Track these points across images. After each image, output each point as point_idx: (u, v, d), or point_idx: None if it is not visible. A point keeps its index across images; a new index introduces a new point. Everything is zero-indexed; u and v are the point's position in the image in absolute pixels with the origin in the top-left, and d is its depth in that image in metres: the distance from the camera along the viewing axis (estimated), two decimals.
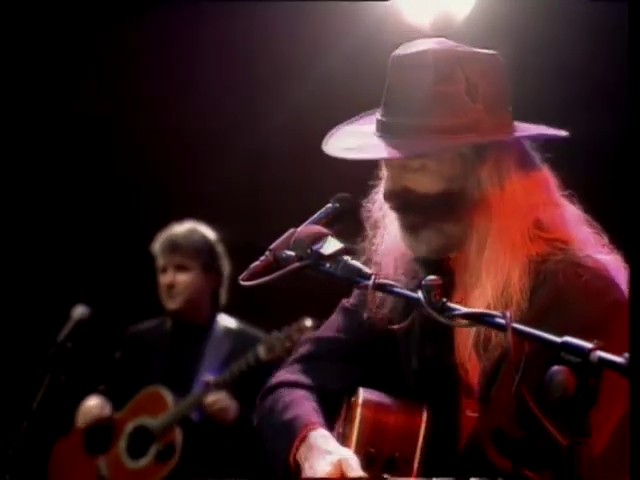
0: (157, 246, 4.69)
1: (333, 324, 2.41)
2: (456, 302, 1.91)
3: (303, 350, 2.41)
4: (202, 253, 4.65)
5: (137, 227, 5.67)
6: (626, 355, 1.58)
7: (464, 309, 1.83)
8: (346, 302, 2.41)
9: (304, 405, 2.26)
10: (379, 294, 2.21)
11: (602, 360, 1.60)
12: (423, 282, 1.84)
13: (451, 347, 2.20)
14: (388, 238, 2.27)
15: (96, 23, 5.73)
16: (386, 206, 2.24)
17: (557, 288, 2.06)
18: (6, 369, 5.60)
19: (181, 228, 4.70)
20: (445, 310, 1.83)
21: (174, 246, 4.64)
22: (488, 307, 2.07)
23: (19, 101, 5.82)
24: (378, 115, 2.21)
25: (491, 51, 2.21)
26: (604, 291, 2.05)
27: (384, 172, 2.24)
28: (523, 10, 4.73)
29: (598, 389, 1.61)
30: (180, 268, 4.64)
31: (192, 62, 5.69)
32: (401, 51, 2.20)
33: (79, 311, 4.09)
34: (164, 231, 4.71)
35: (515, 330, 1.73)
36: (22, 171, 5.86)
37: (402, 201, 2.17)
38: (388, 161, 2.20)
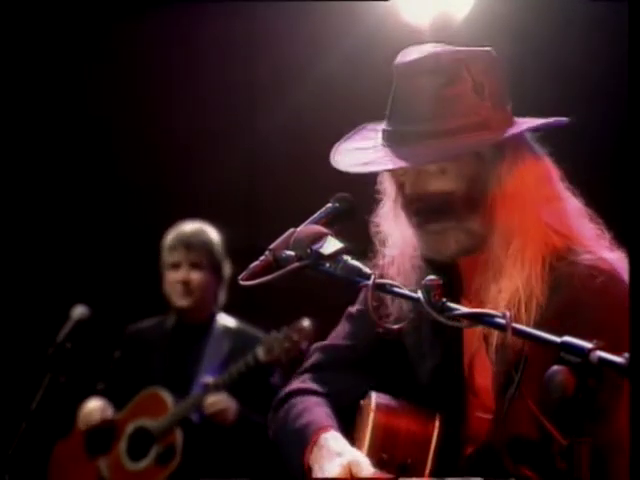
0: (169, 242, 4.68)
1: (340, 332, 2.42)
2: (470, 305, 1.92)
3: (312, 360, 2.41)
4: (212, 252, 4.66)
5: (137, 227, 5.67)
6: (626, 355, 1.58)
7: (464, 309, 1.83)
8: (352, 309, 2.42)
9: (316, 411, 2.26)
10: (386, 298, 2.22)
11: (602, 360, 1.59)
12: (423, 282, 1.84)
13: (460, 348, 2.20)
14: (399, 251, 2.27)
15: (96, 23, 5.73)
16: (394, 220, 2.24)
17: (573, 291, 2.06)
18: (6, 369, 5.59)
19: (192, 226, 4.70)
20: (445, 310, 1.82)
21: (189, 243, 4.64)
22: (512, 301, 2.07)
23: (19, 102, 5.81)
24: (384, 126, 2.20)
25: (487, 48, 2.22)
26: (619, 294, 2.05)
27: (392, 183, 2.24)
28: (523, 10, 4.73)
29: (597, 389, 1.61)
30: (195, 265, 4.64)
31: (192, 62, 5.69)
32: (402, 59, 2.19)
33: (78, 311, 4.08)
34: (175, 228, 4.70)
35: (515, 330, 1.73)
36: (22, 171, 5.86)
37: (425, 204, 2.16)
38: (404, 169, 2.18)
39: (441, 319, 1.82)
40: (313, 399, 2.31)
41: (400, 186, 2.21)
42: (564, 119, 2.21)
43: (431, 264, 2.23)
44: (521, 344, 2.04)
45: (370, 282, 1.93)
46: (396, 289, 1.95)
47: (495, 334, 2.07)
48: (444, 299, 1.83)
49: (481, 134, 2.12)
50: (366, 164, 2.17)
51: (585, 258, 2.10)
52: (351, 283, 2.00)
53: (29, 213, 5.85)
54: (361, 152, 2.20)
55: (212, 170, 5.62)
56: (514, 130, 2.16)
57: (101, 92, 5.79)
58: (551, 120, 2.21)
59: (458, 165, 2.15)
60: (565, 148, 2.25)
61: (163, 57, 5.72)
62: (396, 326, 2.17)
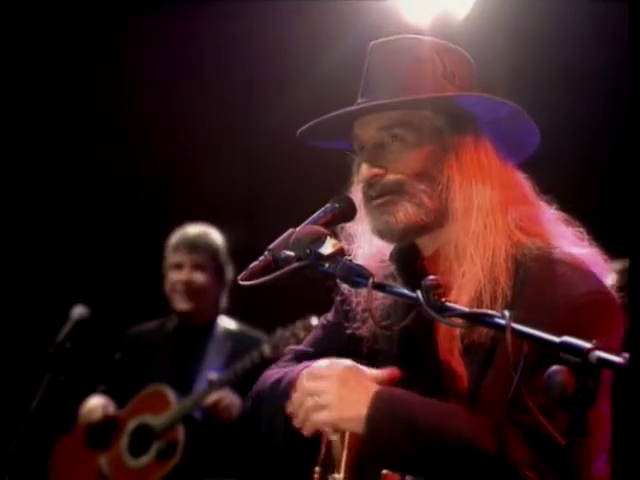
0: (173, 242, 4.67)
1: (311, 339, 2.44)
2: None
3: (281, 361, 2.44)
4: (216, 256, 4.65)
5: (136, 227, 5.68)
6: (626, 355, 1.58)
7: (463, 309, 1.83)
8: (324, 319, 2.43)
9: (289, 367, 2.28)
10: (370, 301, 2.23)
11: (601, 360, 1.59)
12: (422, 282, 1.83)
13: (436, 351, 2.19)
14: (365, 246, 2.27)
15: (96, 23, 5.73)
16: (361, 214, 2.23)
17: (536, 285, 2.05)
18: (6, 369, 5.60)
19: (197, 228, 4.70)
20: (444, 310, 1.82)
21: (193, 244, 4.63)
22: (477, 287, 2.06)
23: (19, 102, 5.82)
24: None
25: (464, 50, 2.25)
26: (580, 283, 2.04)
27: (359, 163, 2.23)
28: (522, 10, 4.73)
29: (597, 389, 1.61)
30: (198, 267, 4.63)
31: (192, 62, 5.69)
32: (380, 40, 2.25)
33: (78, 311, 4.08)
34: (180, 229, 4.70)
35: (514, 330, 1.72)
36: (22, 172, 5.87)
37: (379, 181, 2.16)
38: (362, 144, 2.20)
39: (440, 319, 1.82)
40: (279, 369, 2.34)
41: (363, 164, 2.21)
42: (536, 139, 2.22)
43: (399, 266, 2.23)
44: (490, 344, 2.03)
45: (369, 282, 1.93)
46: (395, 289, 1.95)
47: (466, 335, 2.07)
48: (443, 299, 1.83)
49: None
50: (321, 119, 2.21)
51: (548, 252, 2.09)
52: (350, 283, 2.00)
53: (29, 213, 5.85)
54: (328, 115, 2.23)
55: (212, 170, 5.62)
56: (473, 96, 2.16)
57: (101, 92, 5.79)
58: (525, 126, 2.20)
59: (417, 137, 2.15)
60: (565, 147, 2.25)
61: (163, 57, 5.72)
62: (396, 327, 2.16)
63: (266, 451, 2.35)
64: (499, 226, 2.11)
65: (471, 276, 2.08)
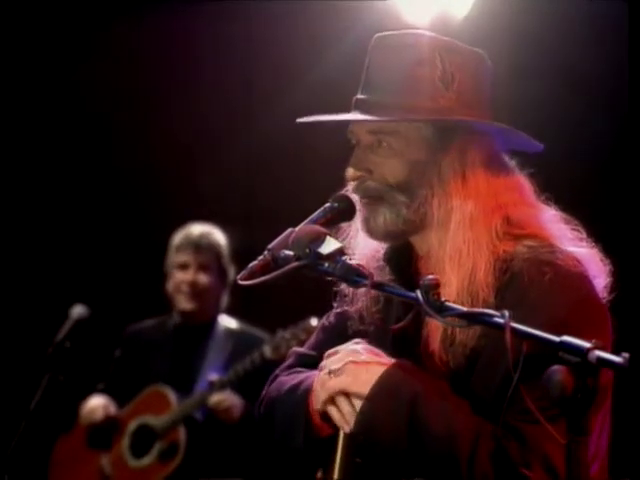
0: (178, 242, 4.66)
1: (311, 341, 2.44)
2: None
3: (286, 363, 2.42)
4: (220, 256, 4.66)
5: (136, 227, 5.68)
6: (625, 355, 1.58)
7: (462, 308, 1.83)
8: (325, 320, 2.43)
9: (303, 372, 2.28)
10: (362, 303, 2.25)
11: (600, 360, 1.59)
12: (421, 281, 1.83)
13: (424, 348, 2.17)
14: (359, 242, 2.27)
15: (96, 23, 5.73)
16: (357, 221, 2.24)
17: (521, 288, 2.03)
18: (5, 369, 5.60)
19: (201, 228, 4.69)
20: (444, 309, 1.82)
21: (198, 244, 4.63)
22: (455, 301, 2.05)
23: (19, 101, 5.82)
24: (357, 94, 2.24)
25: (479, 50, 2.21)
26: (568, 288, 2.02)
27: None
28: (522, 10, 4.73)
29: (597, 389, 1.61)
30: (203, 268, 4.63)
31: (191, 62, 5.69)
32: (384, 33, 2.24)
33: (77, 311, 4.08)
34: (184, 228, 4.70)
35: (513, 330, 1.72)
36: (22, 171, 5.87)
37: (363, 183, 2.17)
38: (356, 140, 2.21)
39: (439, 319, 1.82)
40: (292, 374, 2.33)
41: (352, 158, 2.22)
42: (538, 146, 2.20)
43: (392, 265, 2.24)
44: (473, 342, 2.03)
45: (367, 282, 1.93)
46: (394, 289, 1.95)
47: (449, 329, 2.07)
48: (443, 298, 1.83)
49: (427, 116, 2.14)
50: (316, 119, 2.22)
51: (540, 253, 2.07)
52: (349, 283, 2.00)
53: (29, 213, 5.86)
54: (326, 115, 2.23)
55: (212, 170, 5.63)
56: (463, 121, 2.14)
57: (100, 92, 5.79)
58: (523, 137, 2.18)
59: (405, 146, 2.15)
60: (564, 147, 2.24)
61: (162, 57, 5.73)
62: (396, 326, 2.15)
63: (277, 455, 2.33)
64: (480, 240, 2.10)
65: (449, 292, 2.06)
